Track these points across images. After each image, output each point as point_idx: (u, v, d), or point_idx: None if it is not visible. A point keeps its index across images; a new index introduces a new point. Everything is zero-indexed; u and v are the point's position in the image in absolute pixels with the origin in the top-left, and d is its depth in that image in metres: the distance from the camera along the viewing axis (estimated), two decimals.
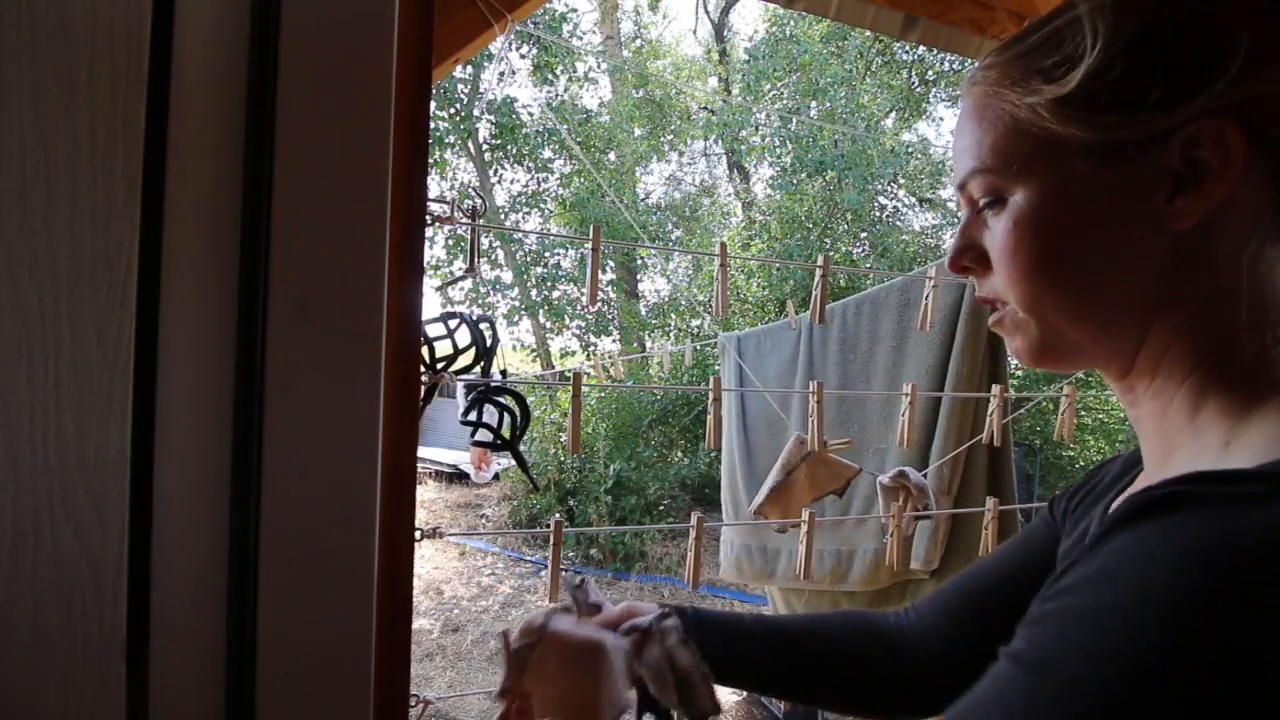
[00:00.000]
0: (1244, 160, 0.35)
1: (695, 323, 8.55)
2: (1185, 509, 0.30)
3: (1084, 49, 0.38)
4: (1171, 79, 0.36)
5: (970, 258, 0.45)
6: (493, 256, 8.25)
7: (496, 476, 7.40)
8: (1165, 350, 0.40)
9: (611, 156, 8.88)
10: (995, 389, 1.50)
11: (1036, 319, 0.42)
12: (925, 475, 1.88)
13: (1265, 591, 0.26)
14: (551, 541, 1.03)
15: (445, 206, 0.82)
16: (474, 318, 0.92)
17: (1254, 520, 0.28)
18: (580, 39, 9.05)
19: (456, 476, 7.80)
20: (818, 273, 1.30)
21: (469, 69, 7.67)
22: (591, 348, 8.56)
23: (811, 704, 0.68)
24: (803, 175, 7.60)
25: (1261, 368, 0.37)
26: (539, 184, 8.73)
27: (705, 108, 9.57)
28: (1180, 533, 0.29)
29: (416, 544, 0.70)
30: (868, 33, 6.82)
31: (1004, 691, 0.31)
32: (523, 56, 8.10)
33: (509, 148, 8.22)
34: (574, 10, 7.98)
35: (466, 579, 5.50)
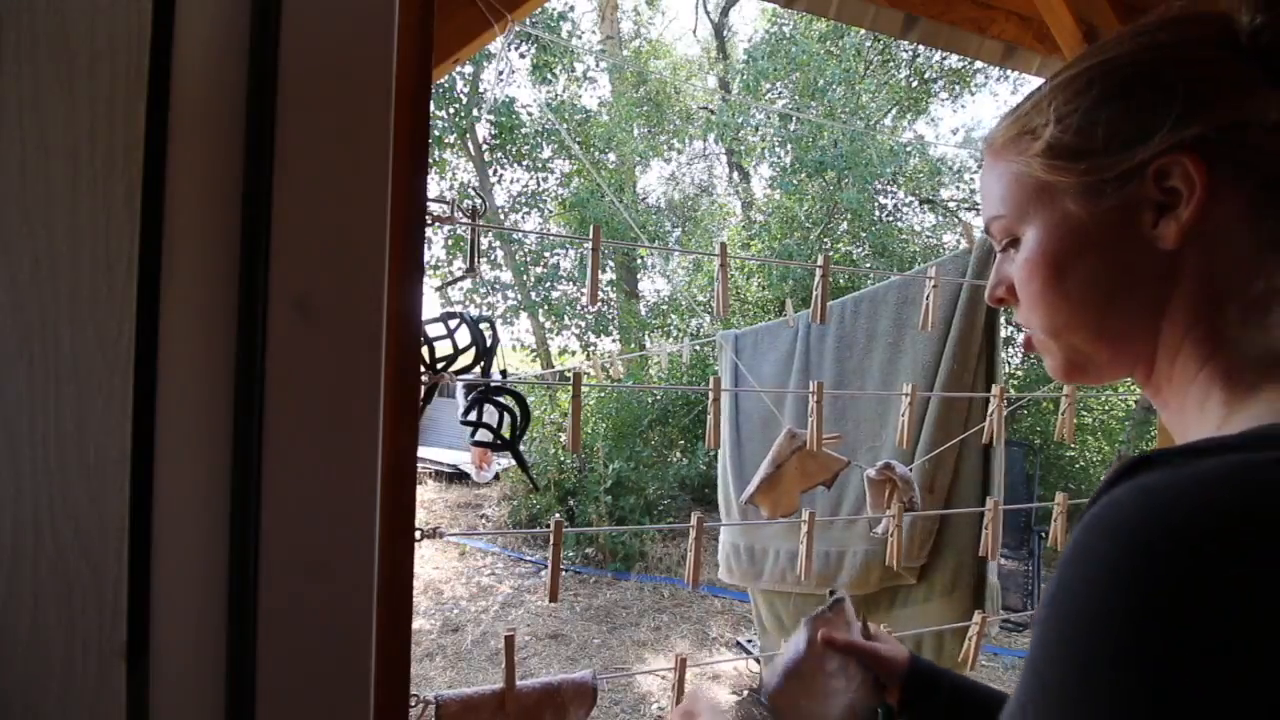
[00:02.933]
0: (1208, 184, 0.41)
1: (695, 323, 8.55)
2: (1142, 471, 0.34)
3: (1056, 112, 0.46)
4: (1125, 128, 0.44)
5: (1003, 291, 0.53)
6: (492, 256, 8.25)
7: (496, 476, 7.40)
8: (1177, 353, 0.45)
9: (611, 156, 8.88)
10: (995, 389, 1.50)
11: (1056, 341, 0.49)
12: (912, 470, 1.88)
13: (1196, 527, 0.29)
14: (551, 541, 1.03)
15: (445, 206, 0.82)
16: (474, 318, 0.92)
17: (1194, 469, 0.32)
18: (580, 38, 9.05)
19: (456, 476, 7.80)
20: (817, 273, 1.30)
21: (469, 68, 7.67)
22: (591, 348, 8.56)
23: None
24: (802, 175, 7.60)
25: (1259, 360, 0.42)
26: (539, 184, 8.73)
27: (705, 107, 9.57)
28: (1134, 491, 0.33)
29: (416, 544, 0.70)
30: (865, 31, 6.82)
31: (1022, 683, 0.34)
32: (522, 56, 8.09)
33: (509, 147, 8.22)
34: (572, 9, 7.98)
35: (466, 579, 5.50)
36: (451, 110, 7.61)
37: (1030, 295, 0.49)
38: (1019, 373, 7.62)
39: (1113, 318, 0.46)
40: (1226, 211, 0.43)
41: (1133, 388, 7.36)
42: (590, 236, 1.08)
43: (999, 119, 0.53)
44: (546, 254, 8.26)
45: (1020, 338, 0.54)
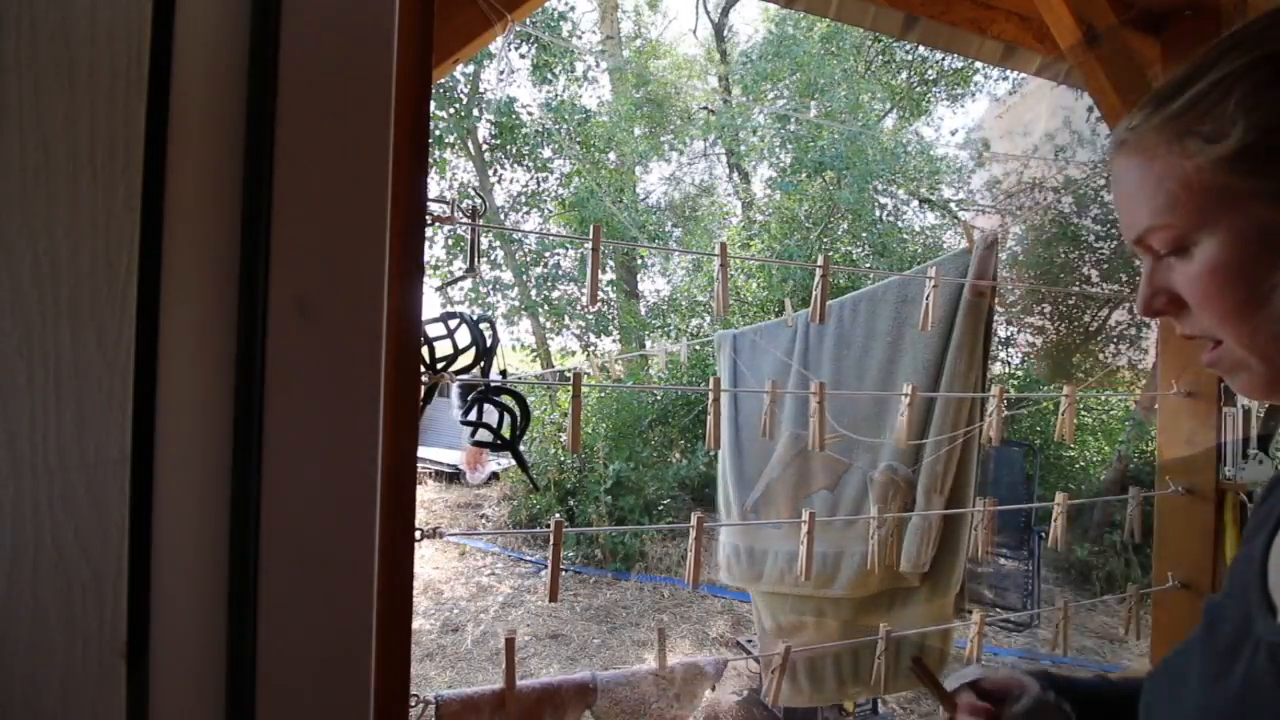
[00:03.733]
0: None
1: (695, 322, 8.54)
2: None
3: (1241, 107, 0.41)
4: None
5: (1161, 302, 0.48)
6: (492, 257, 8.25)
7: (495, 476, 7.40)
8: None
9: (611, 156, 8.87)
10: (995, 389, 1.50)
11: (1257, 355, 0.45)
12: (916, 472, 1.88)
13: None
14: (551, 541, 1.03)
15: (445, 206, 0.82)
16: (474, 318, 0.92)
17: None
18: (580, 38, 9.05)
19: (456, 476, 7.79)
20: (817, 273, 1.30)
21: (470, 68, 7.67)
22: (591, 348, 8.56)
23: None
24: (802, 175, 7.60)
25: None
26: (539, 184, 8.73)
27: (705, 107, 9.56)
28: None
29: (416, 544, 0.70)
30: (864, 31, 6.82)
31: None
32: (522, 56, 8.09)
33: (509, 148, 8.22)
34: (572, 9, 7.97)
35: (466, 579, 5.50)
36: (451, 110, 7.61)
37: (1223, 308, 0.44)
38: (1019, 373, 7.62)
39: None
40: None
41: (1132, 387, 7.36)
42: (590, 236, 1.08)
43: (1137, 111, 0.47)
44: (547, 254, 8.26)
45: (1209, 355, 0.49)
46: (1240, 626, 0.46)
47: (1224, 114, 0.42)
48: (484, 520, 6.93)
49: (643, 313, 8.76)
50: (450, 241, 7.78)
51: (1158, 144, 0.45)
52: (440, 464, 7.81)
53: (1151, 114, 0.46)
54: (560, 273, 8.33)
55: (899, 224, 8.38)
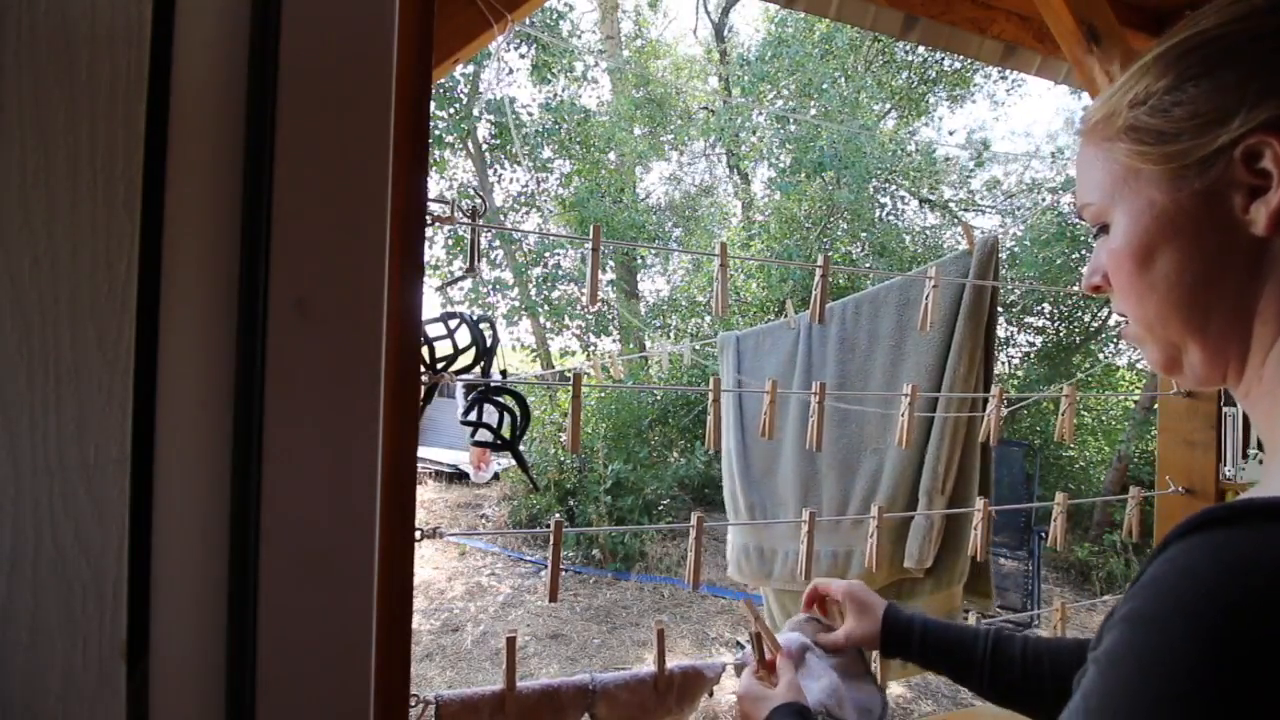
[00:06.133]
0: None
1: (695, 323, 8.54)
2: (1233, 526, 0.33)
3: (1138, 93, 0.45)
4: (1207, 108, 0.42)
5: (1099, 279, 0.51)
6: (492, 257, 8.25)
7: (496, 476, 7.40)
8: (1268, 352, 0.43)
9: (611, 156, 8.87)
10: (995, 389, 1.50)
11: (1150, 334, 0.47)
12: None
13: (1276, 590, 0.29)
14: (551, 541, 1.03)
15: (445, 206, 0.82)
16: (474, 318, 0.92)
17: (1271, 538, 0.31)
18: (579, 38, 9.05)
19: (456, 476, 7.79)
20: (817, 273, 1.30)
21: (469, 68, 7.67)
22: (591, 348, 8.55)
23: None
24: (802, 175, 7.60)
25: None
26: (538, 184, 8.73)
27: (705, 107, 9.56)
28: (1221, 548, 0.33)
29: (416, 544, 0.70)
30: (864, 30, 6.81)
31: (1087, 692, 0.34)
32: (522, 56, 8.09)
33: (509, 147, 8.22)
34: (572, 9, 7.97)
35: (466, 579, 5.50)
36: (451, 110, 7.61)
37: (1120, 285, 0.47)
38: (1019, 373, 7.62)
39: (1200, 310, 0.44)
40: None
41: (1133, 387, 7.36)
42: (590, 236, 1.08)
43: (1097, 100, 0.51)
44: (547, 254, 8.26)
45: (1122, 330, 0.52)
46: None
47: (1129, 95, 0.46)
48: (484, 520, 6.93)
49: (643, 313, 8.76)
50: (450, 241, 7.78)
51: (1094, 124, 0.49)
52: (440, 464, 7.81)
53: (1101, 96, 0.50)
54: (560, 273, 8.33)
55: (899, 224, 8.39)
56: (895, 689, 3.76)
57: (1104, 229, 0.49)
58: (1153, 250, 0.45)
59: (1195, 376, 0.47)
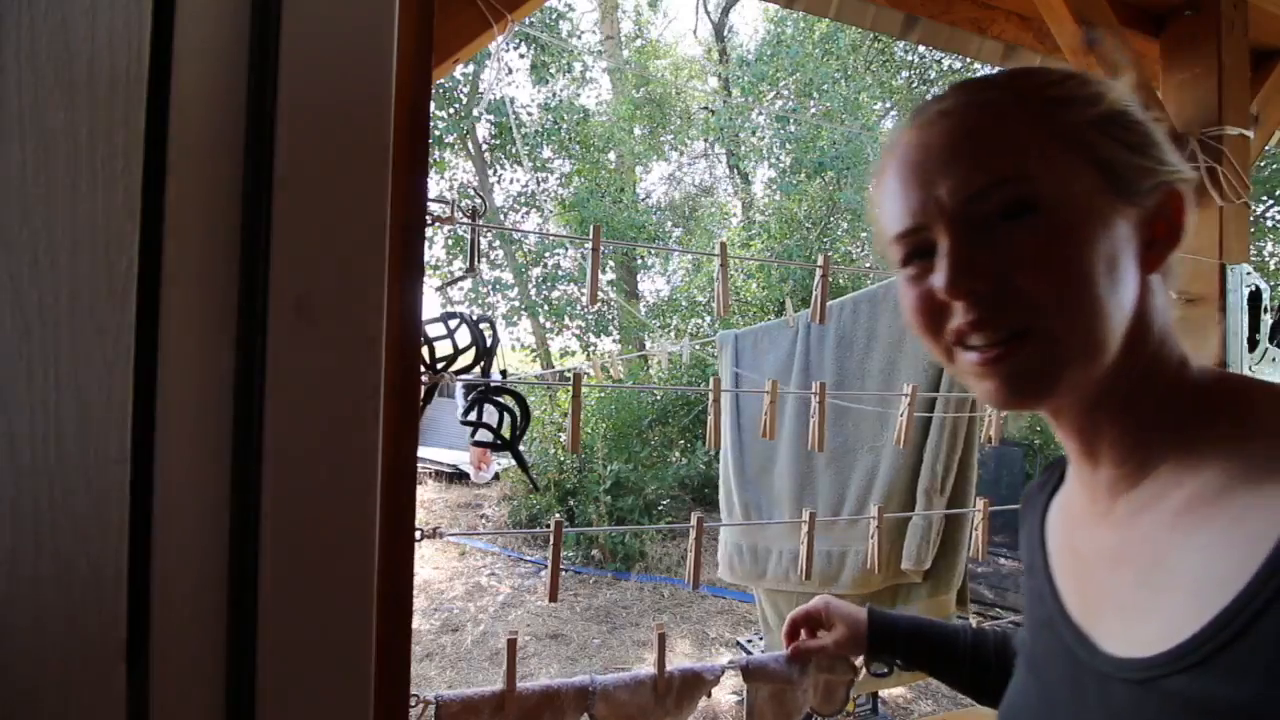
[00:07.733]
0: (1184, 223, 0.44)
1: (695, 322, 8.54)
2: None
3: (1119, 100, 0.46)
4: (1165, 143, 0.45)
5: (982, 276, 0.43)
6: (492, 257, 8.25)
7: (496, 476, 7.39)
8: (1129, 376, 0.45)
9: (611, 156, 8.87)
10: None
11: (1067, 333, 0.42)
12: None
13: None
14: (551, 541, 1.03)
15: (445, 206, 0.82)
16: (474, 318, 0.92)
17: None
18: (579, 39, 9.05)
19: (456, 476, 7.79)
20: (817, 272, 1.30)
21: (470, 68, 7.67)
22: (591, 348, 8.55)
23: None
24: (802, 175, 7.60)
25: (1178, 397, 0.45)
26: (538, 184, 8.73)
27: (705, 107, 9.56)
28: None
29: (416, 544, 0.70)
30: (864, 30, 6.81)
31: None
32: (522, 56, 8.09)
33: (508, 147, 8.22)
34: (572, 9, 7.97)
35: (466, 579, 5.50)
36: (451, 110, 7.61)
37: (1058, 273, 0.42)
38: None
39: (1105, 318, 0.43)
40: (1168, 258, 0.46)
41: None
42: (590, 236, 1.08)
43: (1006, 73, 0.48)
44: (547, 254, 8.26)
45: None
46: (1065, 660, 0.47)
47: (1101, 88, 0.47)
48: (484, 520, 6.93)
49: (643, 313, 8.76)
50: (450, 241, 7.79)
51: (1035, 91, 0.49)
52: (440, 464, 7.80)
53: (1029, 75, 0.51)
54: (560, 273, 8.33)
55: None
56: (896, 689, 3.76)
57: (1017, 211, 0.42)
58: (1093, 247, 0.43)
59: (1064, 383, 0.48)
